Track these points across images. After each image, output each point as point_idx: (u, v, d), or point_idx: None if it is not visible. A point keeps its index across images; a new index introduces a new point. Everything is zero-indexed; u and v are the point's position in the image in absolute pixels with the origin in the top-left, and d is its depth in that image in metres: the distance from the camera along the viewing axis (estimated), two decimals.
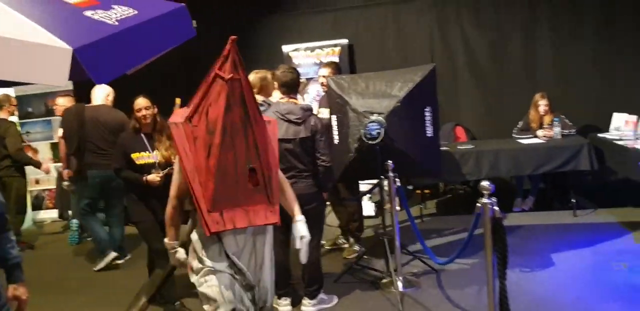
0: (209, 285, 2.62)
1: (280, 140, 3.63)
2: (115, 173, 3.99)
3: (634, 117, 5.50)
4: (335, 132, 4.56)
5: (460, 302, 3.77)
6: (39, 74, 1.10)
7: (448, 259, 3.58)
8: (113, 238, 5.27)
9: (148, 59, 1.44)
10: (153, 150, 3.89)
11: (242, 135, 2.44)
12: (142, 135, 3.91)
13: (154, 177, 3.80)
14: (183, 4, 1.51)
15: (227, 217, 2.44)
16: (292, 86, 3.88)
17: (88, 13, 1.24)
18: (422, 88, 4.40)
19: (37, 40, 1.08)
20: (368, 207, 6.09)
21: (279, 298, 3.93)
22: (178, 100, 4.24)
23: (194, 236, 2.66)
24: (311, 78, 7.20)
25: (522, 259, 4.36)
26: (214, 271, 2.59)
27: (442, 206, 6.55)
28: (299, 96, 4.24)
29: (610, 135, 5.67)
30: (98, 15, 1.25)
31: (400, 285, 4.06)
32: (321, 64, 6.04)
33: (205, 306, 2.67)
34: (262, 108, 4.27)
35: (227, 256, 2.59)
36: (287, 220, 3.75)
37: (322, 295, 3.97)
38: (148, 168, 3.86)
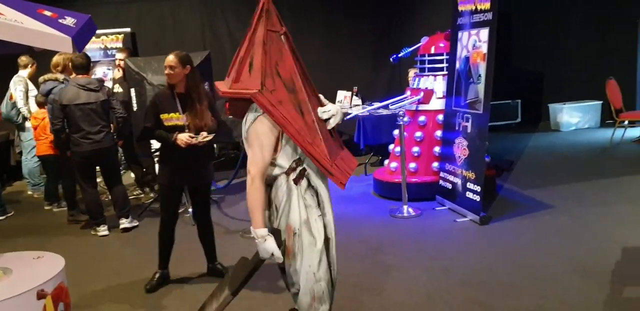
0: (321, 278, 2.30)
1: (85, 104, 4.88)
2: (144, 132, 3.73)
3: (349, 93, 7.85)
4: (134, 101, 5.89)
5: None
6: (56, 46, 2.33)
7: (225, 183, 5.26)
8: None
9: (85, 44, 2.66)
10: (184, 112, 3.57)
11: (310, 86, 2.35)
12: (176, 95, 3.59)
13: (184, 136, 3.49)
14: (89, 14, 2.74)
15: (342, 167, 2.30)
16: (83, 67, 5.12)
17: (59, 20, 2.45)
18: (201, 68, 5.94)
19: (53, 32, 2.30)
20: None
21: (98, 226, 5.19)
22: None
23: (294, 218, 2.30)
24: (97, 62, 8.22)
25: None
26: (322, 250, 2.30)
27: (217, 165, 8.17)
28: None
29: None
30: (64, 21, 2.46)
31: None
32: (117, 49, 7.27)
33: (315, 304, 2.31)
34: (62, 86, 5.30)
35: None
36: (89, 170, 4.96)
37: (131, 216, 5.32)
38: (176, 131, 3.56)
